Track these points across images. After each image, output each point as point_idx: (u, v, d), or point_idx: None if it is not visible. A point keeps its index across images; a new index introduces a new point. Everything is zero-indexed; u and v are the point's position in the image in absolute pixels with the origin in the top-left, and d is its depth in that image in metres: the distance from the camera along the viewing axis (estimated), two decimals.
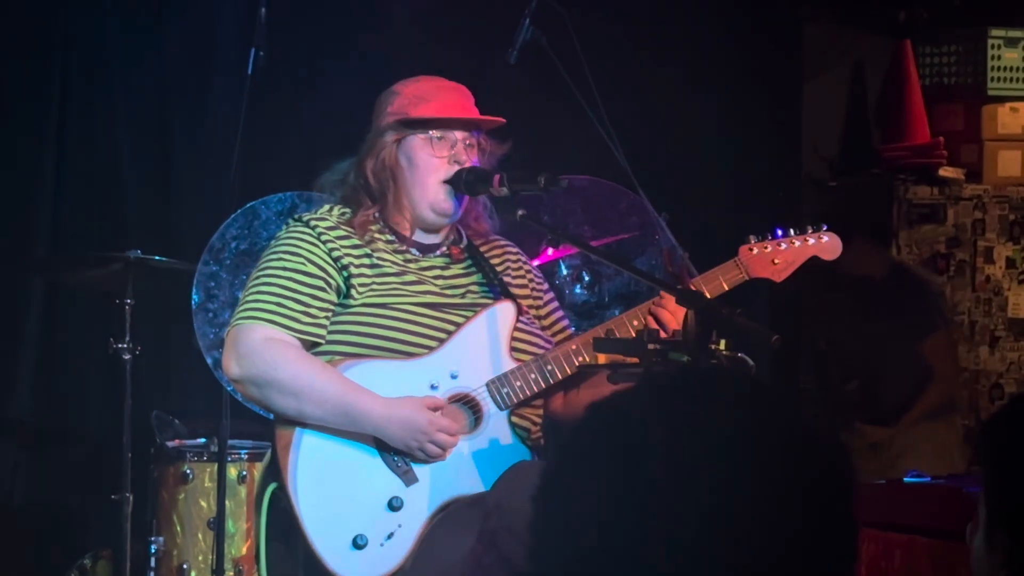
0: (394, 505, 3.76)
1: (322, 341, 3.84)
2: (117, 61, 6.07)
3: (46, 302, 6.04)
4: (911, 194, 6.78)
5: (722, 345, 3.44)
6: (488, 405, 3.88)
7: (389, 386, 3.80)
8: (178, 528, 5.38)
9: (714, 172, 6.90)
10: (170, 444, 5.45)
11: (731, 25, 6.85)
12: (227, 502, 5.18)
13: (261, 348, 3.78)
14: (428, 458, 3.78)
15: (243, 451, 5.40)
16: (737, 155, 6.87)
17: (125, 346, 5.25)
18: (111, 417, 5.46)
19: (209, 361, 5.09)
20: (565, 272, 5.30)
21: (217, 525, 5.17)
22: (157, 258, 5.32)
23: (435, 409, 3.80)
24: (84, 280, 5.57)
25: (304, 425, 3.78)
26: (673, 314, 3.83)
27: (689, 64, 6.75)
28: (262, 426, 5.31)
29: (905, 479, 4.32)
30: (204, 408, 5.62)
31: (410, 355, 3.84)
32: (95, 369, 5.95)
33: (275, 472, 3.79)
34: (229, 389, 5.09)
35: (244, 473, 5.35)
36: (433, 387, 3.85)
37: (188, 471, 5.36)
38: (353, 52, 6.23)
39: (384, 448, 3.80)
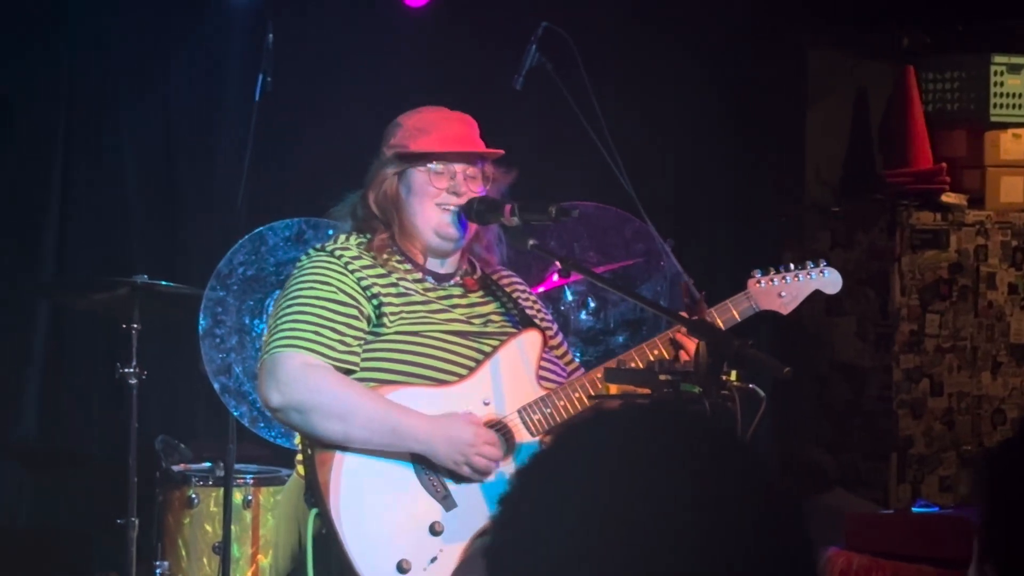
0: (435, 530, 3.77)
1: (356, 369, 3.83)
2: (124, 86, 6.09)
3: (52, 326, 6.05)
4: (914, 220, 6.79)
5: (733, 376, 3.45)
6: (521, 431, 3.89)
7: (427, 413, 3.80)
8: (183, 552, 5.38)
9: (719, 198, 6.93)
10: (176, 468, 5.45)
11: (735, 52, 6.88)
12: (232, 527, 5.20)
13: (302, 374, 3.75)
14: (475, 473, 3.78)
15: (248, 476, 5.40)
16: (741, 181, 6.90)
17: (131, 370, 5.26)
18: (117, 441, 5.46)
19: (216, 386, 5.08)
20: (571, 298, 5.31)
21: (223, 550, 5.18)
22: (164, 283, 5.33)
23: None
24: (90, 304, 5.57)
25: (344, 448, 3.76)
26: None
27: (693, 90, 6.78)
28: (268, 451, 5.33)
29: (913, 509, 4.34)
30: (210, 433, 5.64)
31: (442, 382, 3.85)
32: (101, 393, 5.95)
33: (316, 497, 3.77)
34: (236, 414, 5.10)
35: (249, 498, 5.35)
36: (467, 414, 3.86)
37: (193, 495, 5.37)
38: (360, 78, 6.25)
39: (423, 473, 3.80)
